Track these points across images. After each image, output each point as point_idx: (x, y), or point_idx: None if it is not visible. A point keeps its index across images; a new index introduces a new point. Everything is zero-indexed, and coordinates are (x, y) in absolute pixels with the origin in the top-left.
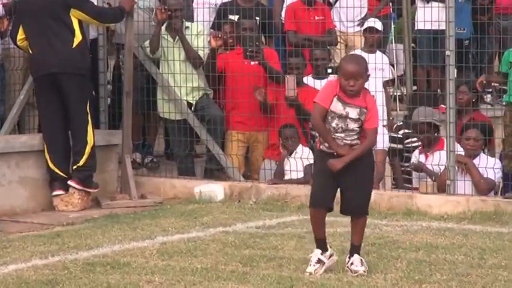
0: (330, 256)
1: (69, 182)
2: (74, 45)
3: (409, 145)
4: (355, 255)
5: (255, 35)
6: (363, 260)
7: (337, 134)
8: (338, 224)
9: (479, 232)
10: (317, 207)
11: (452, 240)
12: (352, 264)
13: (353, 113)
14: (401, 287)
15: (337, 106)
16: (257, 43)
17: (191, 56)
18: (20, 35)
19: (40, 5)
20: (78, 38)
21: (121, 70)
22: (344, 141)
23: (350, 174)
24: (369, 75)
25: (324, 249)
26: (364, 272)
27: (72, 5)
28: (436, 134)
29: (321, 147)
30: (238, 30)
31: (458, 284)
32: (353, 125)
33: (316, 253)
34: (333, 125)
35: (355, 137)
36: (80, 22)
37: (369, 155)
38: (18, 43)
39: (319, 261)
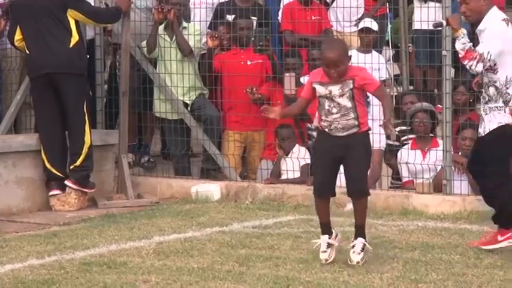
0: (336, 236)
1: (65, 182)
2: (71, 45)
3: (405, 142)
4: (359, 239)
5: (264, 31)
6: (366, 244)
7: (333, 116)
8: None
9: (475, 232)
10: (321, 197)
11: (448, 239)
12: (353, 247)
13: (335, 89)
14: (397, 287)
15: (319, 90)
16: (267, 36)
17: (182, 45)
18: (18, 35)
19: (37, 6)
20: (75, 38)
21: (117, 70)
22: (340, 122)
23: (347, 155)
24: (351, 56)
25: (329, 233)
26: (358, 263)
27: (69, 5)
28: (434, 122)
29: (321, 123)
30: (234, 30)
31: (454, 283)
32: (343, 101)
33: (324, 239)
34: (326, 107)
35: (352, 116)
36: (77, 22)
37: (365, 135)
38: (16, 44)
39: (329, 245)
